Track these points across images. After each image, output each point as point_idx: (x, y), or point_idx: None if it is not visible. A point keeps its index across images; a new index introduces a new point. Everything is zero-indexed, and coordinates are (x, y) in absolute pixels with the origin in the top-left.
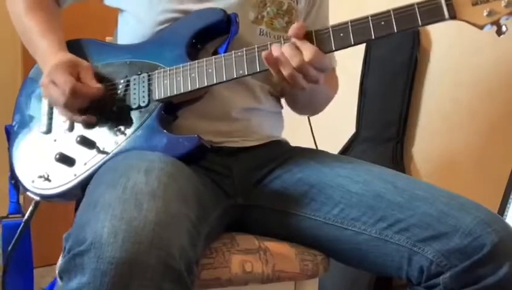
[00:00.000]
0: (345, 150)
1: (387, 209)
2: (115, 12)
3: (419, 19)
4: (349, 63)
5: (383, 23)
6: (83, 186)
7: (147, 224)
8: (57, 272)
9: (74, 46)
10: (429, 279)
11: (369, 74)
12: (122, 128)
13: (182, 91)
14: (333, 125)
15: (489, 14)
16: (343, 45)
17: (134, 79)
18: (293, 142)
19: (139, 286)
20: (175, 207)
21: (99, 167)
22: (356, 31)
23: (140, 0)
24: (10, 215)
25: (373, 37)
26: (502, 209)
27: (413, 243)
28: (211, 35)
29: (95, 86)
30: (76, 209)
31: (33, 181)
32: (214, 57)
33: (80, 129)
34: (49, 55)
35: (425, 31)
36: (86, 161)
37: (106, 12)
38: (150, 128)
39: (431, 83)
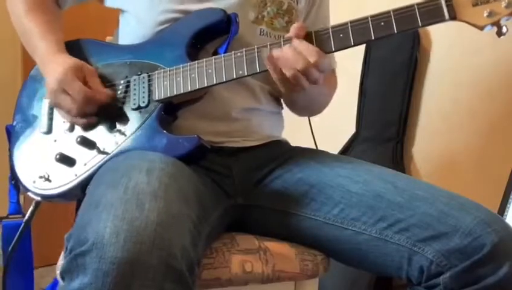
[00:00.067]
0: (345, 150)
1: (387, 209)
2: (115, 12)
3: (419, 19)
4: (349, 63)
5: (382, 23)
6: (83, 186)
7: (149, 224)
8: (58, 272)
9: (74, 47)
10: (429, 279)
11: (369, 74)
12: (122, 128)
13: (182, 91)
14: (333, 125)
15: (490, 14)
16: (343, 45)
17: (135, 79)
18: (293, 142)
19: (140, 286)
20: (176, 207)
21: (100, 167)
22: (356, 31)
23: (141, 1)
24: (10, 216)
25: (373, 38)
26: (502, 209)
27: (413, 243)
28: (211, 35)
29: (104, 91)
30: (76, 209)
31: (34, 181)
32: (213, 57)
33: (80, 130)
34: (48, 56)
35: (425, 31)
36: (86, 161)
37: (106, 12)
38: (149, 128)
39: (431, 83)
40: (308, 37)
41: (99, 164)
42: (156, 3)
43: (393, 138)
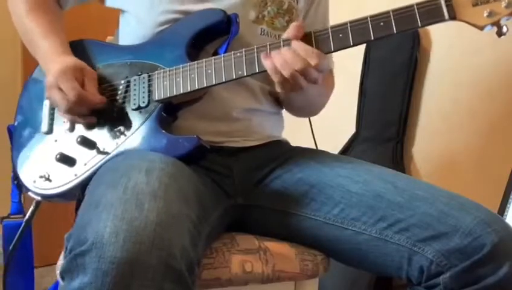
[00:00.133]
0: (345, 150)
1: (387, 209)
2: (115, 12)
3: (418, 19)
4: (349, 64)
5: (382, 24)
6: (83, 186)
7: (148, 224)
8: (57, 272)
9: (76, 47)
10: (429, 279)
11: (369, 74)
12: (122, 128)
13: (182, 92)
14: (333, 125)
15: (490, 14)
16: (342, 45)
17: (135, 80)
18: (294, 142)
19: (140, 286)
20: (176, 207)
21: (100, 167)
22: (355, 32)
23: (141, 1)
24: (12, 216)
25: (372, 38)
26: (502, 209)
27: (413, 243)
28: (211, 35)
29: (98, 96)
30: (76, 209)
31: (34, 181)
32: (213, 57)
33: (80, 130)
34: (51, 56)
35: (425, 31)
36: (86, 161)
37: (107, 12)
38: (149, 128)
39: (431, 83)
40: (307, 37)
41: (99, 163)
42: (156, 3)
43: (393, 138)
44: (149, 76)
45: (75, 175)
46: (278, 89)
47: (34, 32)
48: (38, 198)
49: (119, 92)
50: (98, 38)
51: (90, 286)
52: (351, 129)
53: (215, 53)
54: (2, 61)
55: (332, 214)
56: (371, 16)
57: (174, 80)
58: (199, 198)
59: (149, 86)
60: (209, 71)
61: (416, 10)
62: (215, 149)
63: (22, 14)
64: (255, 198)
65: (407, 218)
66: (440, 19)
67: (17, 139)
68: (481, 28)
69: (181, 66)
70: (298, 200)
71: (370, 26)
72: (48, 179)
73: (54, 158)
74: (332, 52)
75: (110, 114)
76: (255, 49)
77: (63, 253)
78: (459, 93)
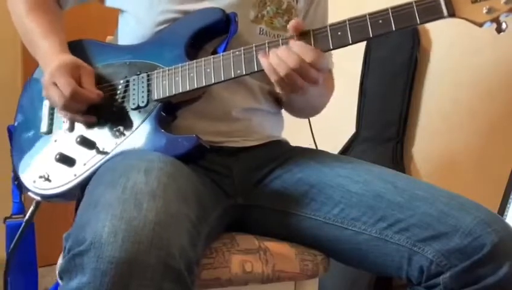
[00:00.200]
0: (345, 150)
1: (387, 209)
2: (115, 12)
3: (417, 17)
4: (349, 64)
5: (381, 21)
6: (82, 186)
7: (147, 224)
8: (57, 272)
9: (75, 47)
10: (429, 279)
11: (369, 74)
12: (121, 128)
13: (180, 91)
14: (333, 126)
15: (489, 11)
16: (341, 43)
17: (134, 79)
18: (293, 142)
19: (138, 285)
20: (175, 207)
21: (99, 167)
22: (354, 29)
23: (140, 1)
24: (13, 216)
25: (371, 36)
26: (502, 209)
27: (413, 243)
28: (210, 35)
29: (94, 91)
30: (76, 209)
31: (34, 181)
32: (212, 56)
33: (79, 130)
34: (51, 56)
35: (425, 31)
36: (86, 161)
37: (107, 12)
38: (149, 128)
39: (431, 83)
40: (306, 35)
41: (99, 163)
42: (156, 3)
43: (393, 138)
44: (148, 75)
45: (75, 175)
46: (278, 90)
47: (34, 32)
48: (38, 198)
49: (118, 92)
50: (98, 38)
51: (89, 286)
52: (351, 129)
53: (214, 52)
54: (2, 61)
55: (332, 214)
56: (370, 14)
57: (173, 80)
58: (198, 198)
59: (148, 85)
60: (208, 70)
61: (415, 7)
62: (215, 149)
63: (22, 14)
64: (255, 198)
65: (407, 218)
66: (439, 15)
67: (17, 139)
68: (480, 25)
69: (180, 65)
70: (298, 200)
71: (369, 23)
72: (48, 179)
73: (53, 158)
74: (332, 50)
75: (109, 114)
76: (254, 48)
77: (62, 253)
78: (459, 93)
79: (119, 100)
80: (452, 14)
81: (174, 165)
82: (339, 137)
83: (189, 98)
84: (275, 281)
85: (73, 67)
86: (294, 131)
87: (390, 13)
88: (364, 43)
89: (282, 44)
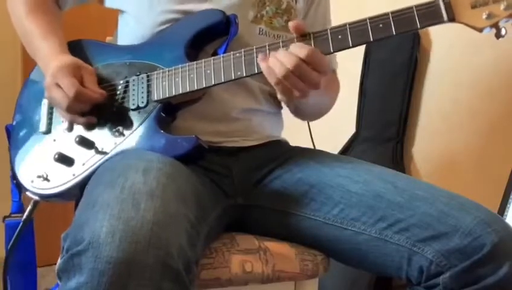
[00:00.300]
0: (345, 150)
1: (387, 209)
2: (115, 12)
3: (417, 21)
4: (349, 64)
5: (381, 25)
6: (81, 186)
7: (145, 224)
8: (56, 272)
9: (75, 47)
10: (429, 279)
11: (369, 74)
12: (121, 128)
13: (180, 92)
14: (333, 126)
15: (489, 16)
16: (342, 47)
17: (134, 80)
18: (293, 142)
19: (137, 285)
20: (173, 207)
21: (98, 167)
22: (354, 33)
23: (140, 2)
24: (12, 215)
25: (371, 40)
26: (502, 209)
27: (413, 243)
28: (210, 36)
29: (98, 91)
30: (75, 209)
31: (32, 181)
32: (212, 58)
33: (79, 129)
34: (51, 56)
35: (425, 31)
36: (85, 161)
37: (106, 12)
38: (148, 128)
39: (431, 83)
40: (306, 38)
41: (98, 163)
42: (155, 4)
43: (393, 138)
44: (148, 76)
45: (73, 175)
46: (279, 96)
47: (33, 34)
48: (36, 198)
49: (118, 92)
50: (97, 39)
51: (86, 285)
52: (351, 129)
53: (215, 53)
54: (2, 61)
55: (332, 214)
56: (370, 18)
57: (173, 80)
58: (197, 198)
59: (148, 86)
60: (208, 72)
61: (415, 12)
62: (214, 149)
63: (21, 16)
64: (255, 198)
65: (407, 218)
66: (439, 20)
67: (15, 138)
68: (480, 30)
69: (180, 66)
70: (298, 200)
71: (369, 27)
72: (46, 179)
73: (52, 158)
74: (332, 53)
75: (108, 114)
76: (254, 50)
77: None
78: (459, 93)
79: (119, 100)
80: (452, 19)
81: (173, 165)
82: (338, 137)
83: (189, 99)
84: (275, 281)
85: (74, 67)
86: (294, 131)
87: (391, 17)
88: None
89: (282, 46)
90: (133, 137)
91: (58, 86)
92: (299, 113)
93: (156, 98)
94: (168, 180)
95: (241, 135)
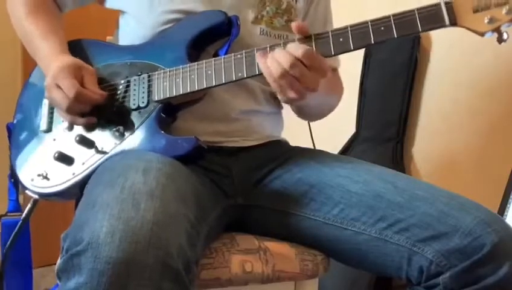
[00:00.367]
0: (345, 150)
1: (387, 209)
2: (115, 13)
3: (419, 25)
4: (349, 64)
5: (382, 28)
6: (81, 185)
7: (145, 224)
8: (55, 272)
9: (76, 47)
10: (429, 279)
11: (369, 74)
12: (121, 128)
13: (181, 92)
14: (333, 126)
15: (490, 21)
16: (343, 49)
17: (135, 80)
18: (293, 142)
19: (137, 285)
20: (173, 207)
21: (98, 166)
22: (356, 36)
23: (141, 2)
24: (9, 214)
25: (372, 42)
26: (502, 209)
27: (413, 243)
28: (211, 37)
29: (98, 92)
30: (75, 208)
31: (32, 179)
32: (213, 59)
33: (79, 129)
34: (51, 56)
35: None
36: (85, 161)
37: (107, 13)
38: (148, 129)
39: (431, 83)
40: (307, 40)
41: (98, 163)
42: (156, 4)
43: (393, 138)
44: (149, 76)
45: (73, 174)
46: (278, 94)
47: (33, 34)
48: (36, 196)
49: (119, 92)
50: (98, 39)
51: (86, 286)
52: (351, 129)
53: (216, 54)
54: (2, 61)
55: (332, 214)
56: (372, 21)
57: (173, 81)
58: (197, 198)
59: (149, 86)
60: (209, 72)
61: (416, 15)
62: (214, 149)
63: (21, 17)
64: (255, 198)
65: (407, 218)
66: (441, 24)
67: (15, 137)
68: (482, 35)
69: (181, 66)
70: (298, 200)
71: (370, 30)
72: (46, 178)
73: (52, 157)
74: (333, 56)
75: (109, 114)
76: (255, 51)
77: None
78: (459, 93)
79: (120, 100)
80: (454, 23)
81: (173, 165)
82: (338, 137)
83: (190, 100)
84: (275, 281)
85: (75, 68)
86: (294, 131)
87: (392, 20)
88: None
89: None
90: (133, 137)
91: (58, 86)
92: (302, 113)
93: (156, 99)
94: (168, 181)
95: (241, 135)
